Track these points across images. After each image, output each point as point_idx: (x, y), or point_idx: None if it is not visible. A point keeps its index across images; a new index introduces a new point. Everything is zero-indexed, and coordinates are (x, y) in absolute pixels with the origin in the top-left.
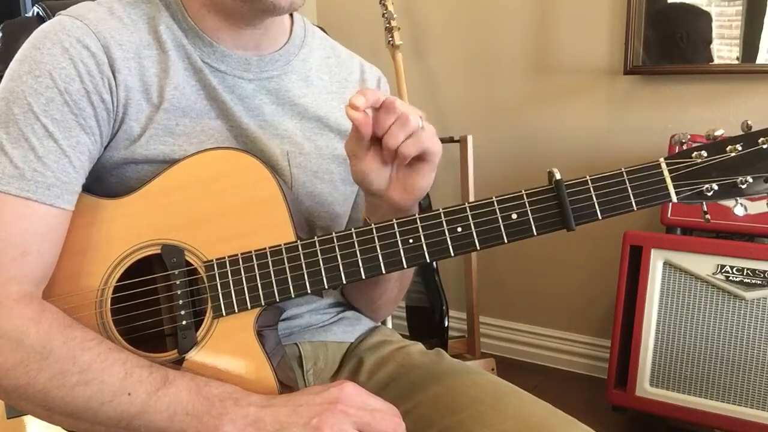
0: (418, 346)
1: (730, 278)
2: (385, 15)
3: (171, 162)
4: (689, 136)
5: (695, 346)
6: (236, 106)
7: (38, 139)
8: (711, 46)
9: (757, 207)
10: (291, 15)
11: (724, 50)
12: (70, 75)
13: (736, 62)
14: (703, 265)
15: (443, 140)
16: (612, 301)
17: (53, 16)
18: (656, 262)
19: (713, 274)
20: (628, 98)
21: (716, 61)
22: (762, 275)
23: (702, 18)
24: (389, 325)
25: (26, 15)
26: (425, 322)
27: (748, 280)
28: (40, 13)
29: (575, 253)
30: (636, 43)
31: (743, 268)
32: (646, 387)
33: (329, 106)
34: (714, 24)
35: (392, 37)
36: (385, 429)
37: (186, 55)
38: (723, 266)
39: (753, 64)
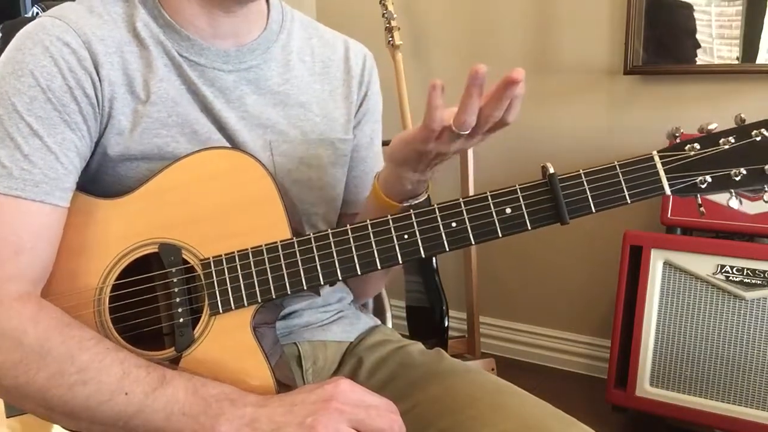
0: (418, 346)
1: (730, 278)
2: (385, 15)
3: (166, 156)
4: (681, 131)
5: (695, 346)
6: (217, 99)
7: (23, 138)
8: (697, 38)
9: (756, 207)
10: (267, 1)
11: (724, 50)
12: (51, 72)
13: (736, 62)
14: (703, 265)
15: None
16: (612, 301)
17: None
18: (656, 262)
19: (713, 274)
20: (628, 98)
21: (716, 61)
22: (762, 275)
23: (688, 13)
24: (389, 324)
25: (26, 15)
26: (425, 322)
27: (748, 280)
28: (40, 14)
29: (575, 253)
30: (636, 43)
31: (743, 268)
32: (646, 387)
33: (312, 89)
34: (714, 24)
35: (392, 37)
36: (380, 425)
37: (164, 50)
38: (723, 266)
39: (753, 64)
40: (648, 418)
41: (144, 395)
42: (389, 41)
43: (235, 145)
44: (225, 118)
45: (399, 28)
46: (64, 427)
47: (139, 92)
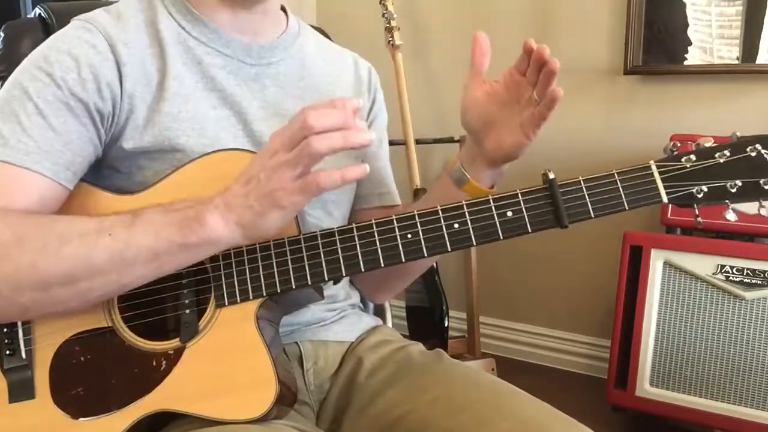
0: (418, 346)
1: (730, 278)
2: (385, 15)
3: (176, 148)
4: (679, 145)
5: (695, 346)
6: (237, 88)
7: (27, 116)
8: (698, 38)
9: (754, 207)
10: (285, 13)
11: (724, 50)
12: (69, 67)
13: (736, 62)
14: (703, 265)
15: (443, 140)
16: (612, 301)
17: (55, 17)
18: (656, 262)
19: (713, 274)
20: (628, 98)
21: (716, 61)
22: (762, 275)
23: (689, 13)
24: (389, 324)
25: (28, 16)
26: (425, 322)
27: (748, 280)
28: (42, 15)
29: (575, 254)
30: (636, 43)
31: (743, 268)
32: (646, 387)
33: (327, 90)
34: (714, 24)
35: (392, 37)
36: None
37: (186, 48)
38: (723, 266)
39: (753, 64)
40: (648, 418)
41: (125, 229)
42: (389, 41)
43: (251, 133)
44: (245, 108)
45: (399, 28)
46: (67, 301)
47: (156, 91)
